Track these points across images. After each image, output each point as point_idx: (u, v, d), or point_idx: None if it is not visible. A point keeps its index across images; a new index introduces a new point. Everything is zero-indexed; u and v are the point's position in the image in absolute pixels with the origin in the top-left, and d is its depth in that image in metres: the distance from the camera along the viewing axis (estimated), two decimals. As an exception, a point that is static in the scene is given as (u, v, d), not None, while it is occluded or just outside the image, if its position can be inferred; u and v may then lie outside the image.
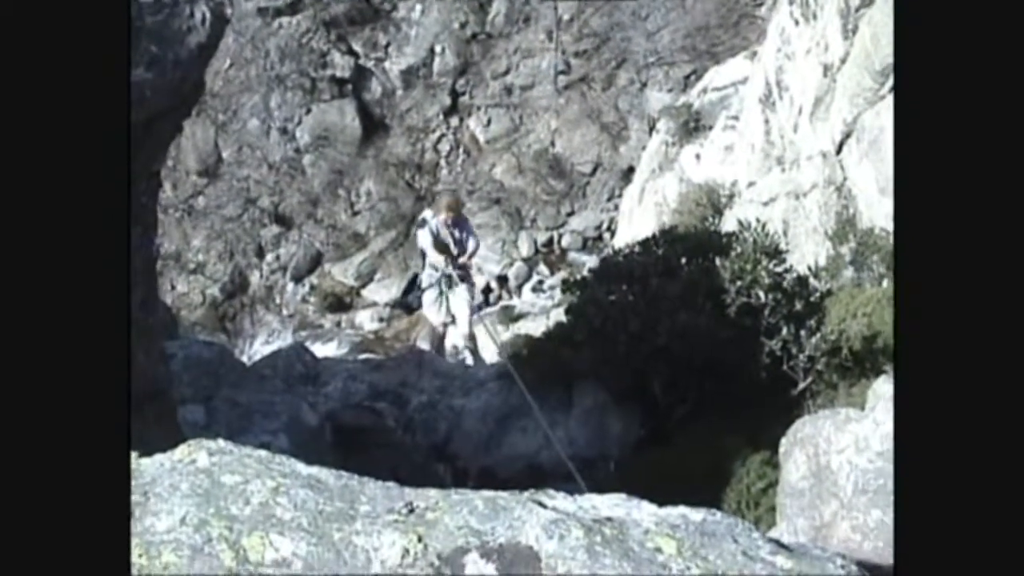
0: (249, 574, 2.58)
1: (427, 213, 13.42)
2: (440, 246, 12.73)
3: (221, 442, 3.01)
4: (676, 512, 2.88)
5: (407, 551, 2.64)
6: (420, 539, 2.67)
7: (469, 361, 13.68)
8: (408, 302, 28.06)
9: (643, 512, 2.87)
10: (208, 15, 5.93)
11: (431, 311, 13.51)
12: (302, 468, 2.92)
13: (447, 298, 13.11)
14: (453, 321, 13.62)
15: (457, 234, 12.92)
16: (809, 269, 10.06)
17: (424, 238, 12.84)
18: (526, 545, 2.64)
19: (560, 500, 2.88)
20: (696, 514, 2.88)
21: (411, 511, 2.78)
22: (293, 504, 2.78)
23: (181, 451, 3.00)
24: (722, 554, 2.69)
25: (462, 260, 13.05)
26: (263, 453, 2.99)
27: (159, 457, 2.98)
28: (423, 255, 13.25)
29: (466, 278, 13.27)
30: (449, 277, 12.91)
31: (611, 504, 2.91)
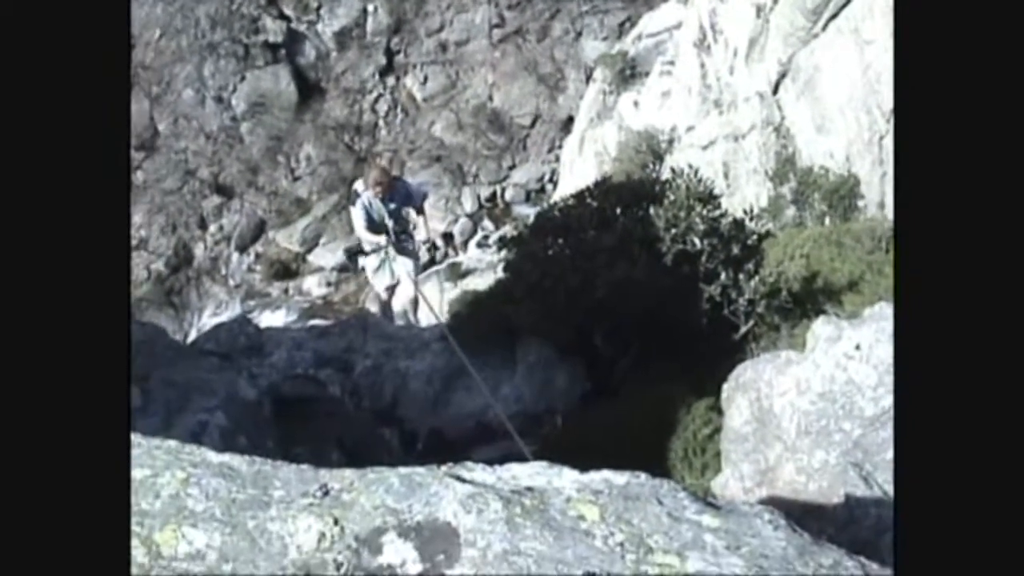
0: (163, 569, 2.52)
1: (358, 185, 12.63)
2: (374, 226, 12.28)
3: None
4: (599, 477, 2.83)
5: (323, 535, 2.58)
6: (336, 522, 2.61)
7: (412, 320, 13.64)
8: (351, 267, 28.05)
9: (564, 479, 2.82)
10: None
11: (375, 278, 13.21)
12: (213, 456, 2.85)
13: (390, 264, 12.72)
14: (399, 284, 13.44)
15: (392, 205, 12.30)
16: (745, 212, 10.08)
17: (357, 219, 12.37)
18: (444, 521, 2.59)
19: (479, 472, 2.83)
20: (620, 477, 2.84)
21: (326, 493, 2.72)
22: (205, 494, 2.70)
23: (88, 448, 2.91)
24: (646, 517, 2.65)
25: (419, 238, 12.85)
26: (172, 443, 2.91)
27: (66, 455, 2.90)
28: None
29: (406, 251, 12.83)
30: (390, 248, 12.52)
31: (531, 473, 2.86)
